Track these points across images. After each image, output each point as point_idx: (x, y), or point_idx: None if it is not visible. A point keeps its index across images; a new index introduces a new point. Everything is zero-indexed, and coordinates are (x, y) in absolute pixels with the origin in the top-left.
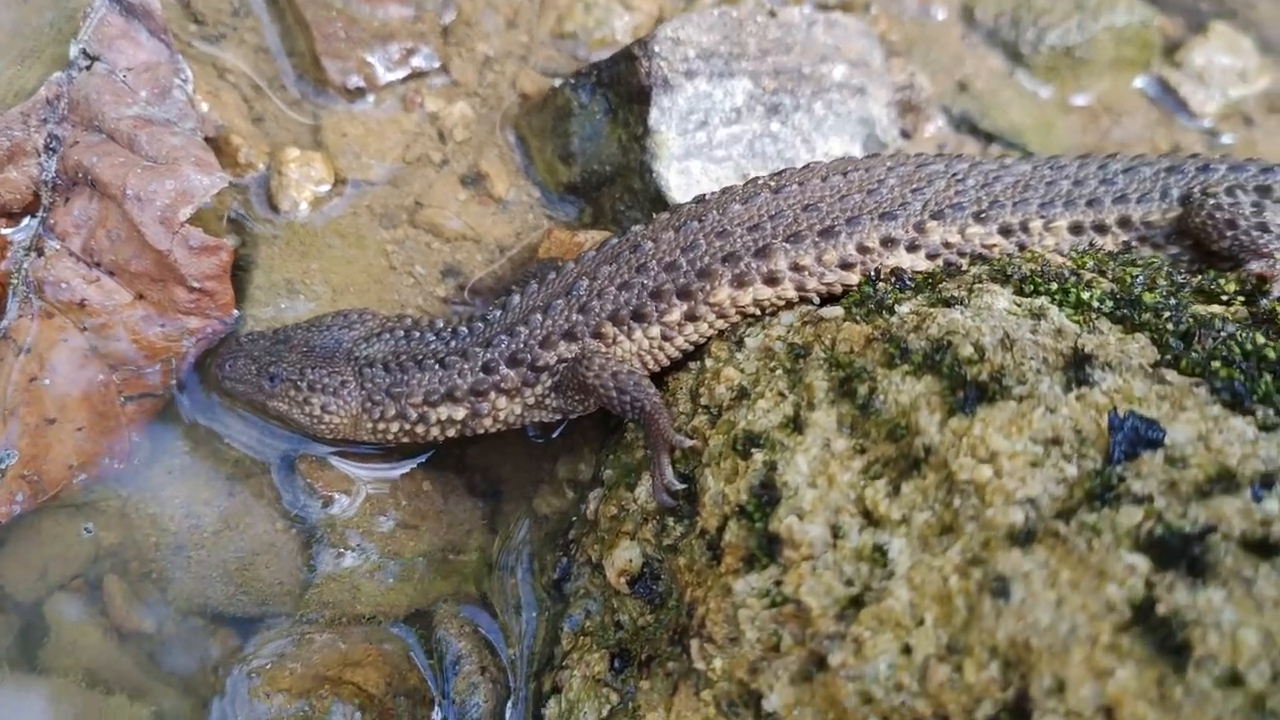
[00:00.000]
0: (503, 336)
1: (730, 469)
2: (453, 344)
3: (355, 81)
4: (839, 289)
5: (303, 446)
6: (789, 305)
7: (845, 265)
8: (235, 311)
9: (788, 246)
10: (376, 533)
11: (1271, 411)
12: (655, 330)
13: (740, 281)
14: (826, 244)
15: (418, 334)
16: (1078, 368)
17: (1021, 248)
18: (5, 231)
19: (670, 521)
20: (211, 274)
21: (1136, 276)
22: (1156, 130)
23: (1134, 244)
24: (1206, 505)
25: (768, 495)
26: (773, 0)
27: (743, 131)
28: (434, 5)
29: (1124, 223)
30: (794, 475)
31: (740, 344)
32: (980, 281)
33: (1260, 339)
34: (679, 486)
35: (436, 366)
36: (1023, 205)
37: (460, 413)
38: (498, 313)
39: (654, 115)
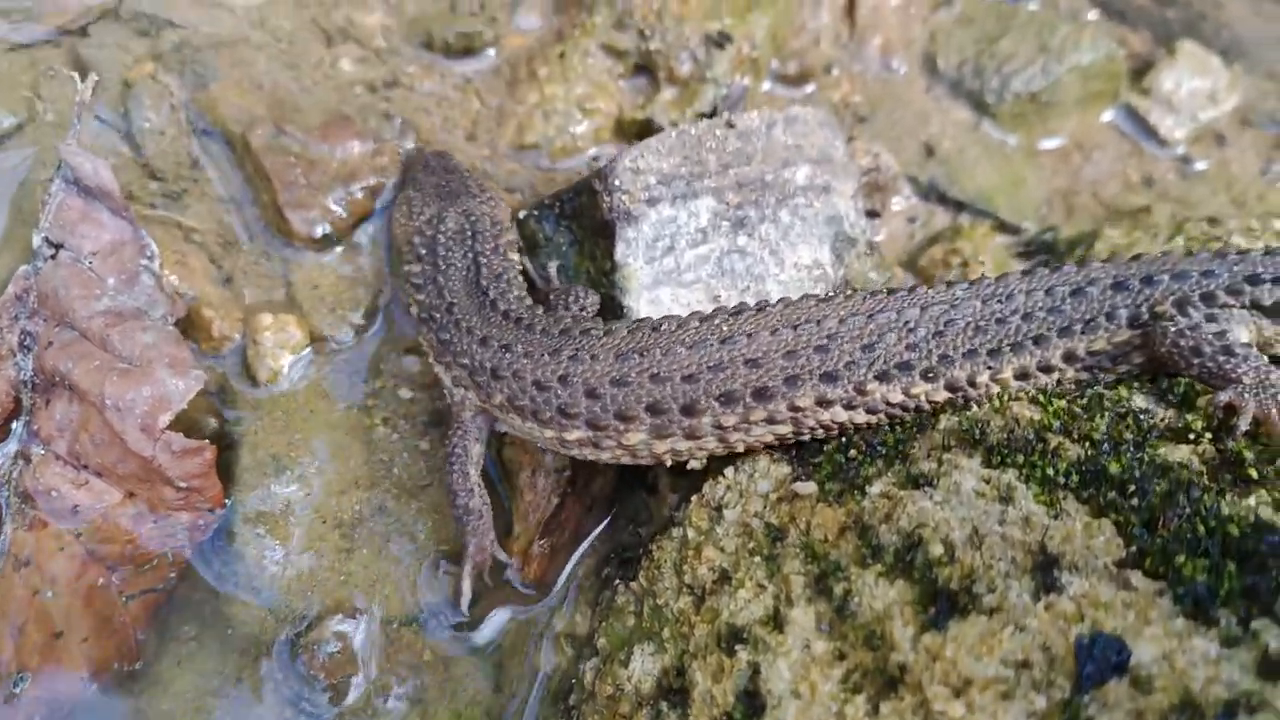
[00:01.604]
0: None
1: (716, 665)
2: None
3: (322, 230)
4: (766, 441)
5: (305, 629)
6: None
7: (772, 421)
8: (226, 501)
9: (716, 405)
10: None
11: (1234, 620)
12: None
13: (659, 433)
14: (757, 404)
15: None
16: (1045, 571)
17: (967, 401)
18: None
19: (664, 707)
20: (197, 473)
21: (1102, 431)
22: (1128, 162)
23: (1082, 375)
24: None
25: (752, 704)
26: (731, 103)
27: (710, 251)
28: (391, 134)
29: (1069, 358)
30: (777, 682)
31: (719, 513)
32: (949, 450)
33: (1225, 508)
34: (465, 613)
35: None
36: (971, 357)
37: None
38: None
39: (620, 250)
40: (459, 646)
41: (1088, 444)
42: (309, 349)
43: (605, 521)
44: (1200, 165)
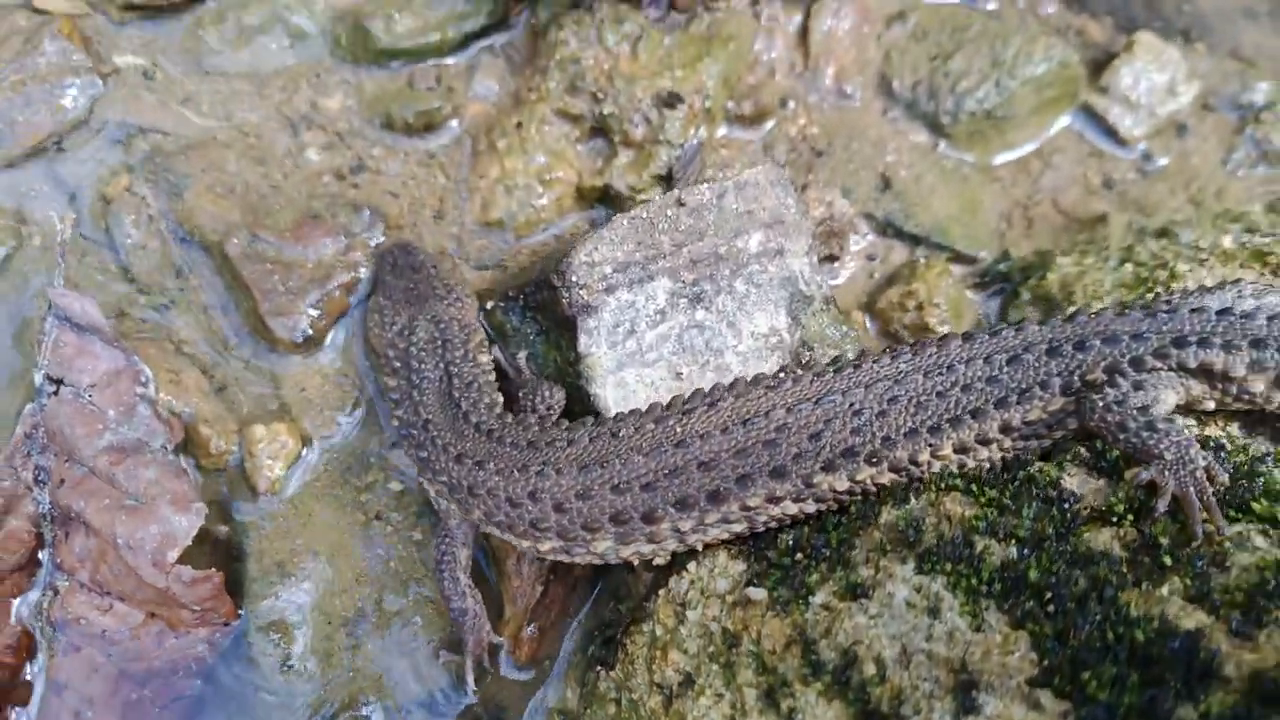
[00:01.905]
0: None
1: None
2: None
3: (304, 333)
4: (724, 539)
5: None
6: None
7: (727, 521)
8: (239, 612)
9: (673, 511)
10: None
11: None
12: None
13: (623, 540)
14: (711, 507)
15: None
16: (965, 691)
17: (910, 480)
18: (16, 604)
19: None
20: (208, 596)
21: (1027, 527)
22: (1088, 165)
23: (1019, 444)
24: None
25: None
26: (685, 162)
27: (670, 329)
28: (361, 226)
29: (1006, 429)
30: None
31: (683, 611)
32: (886, 554)
33: (1134, 609)
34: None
35: None
36: (912, 436)
37: None
38: None
39: (582, 341)
40: (490, 710)
41: (1014, 542)
42: (303, 453)
43: (590, 599)
44: (1161, 161)
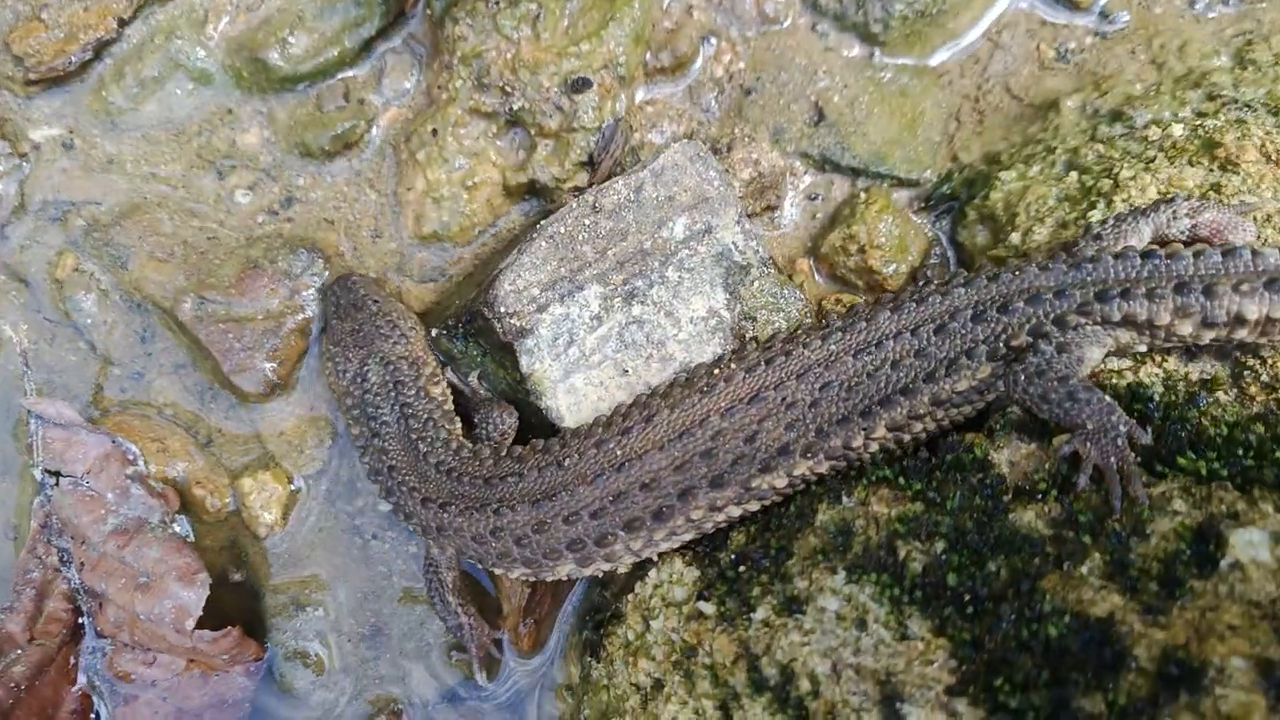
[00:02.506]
0: None
1: None
2: None
3: (269, 382)
4: (675, 547)
5: None
6: None
7: (674, 534)
8: (266, 648)
9: (623, 534)
10: None
11: None
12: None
13: (583, 562)
14: (657, 524)
15: None
16: (889, 703)
17: (849, 464)
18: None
19: None
20: (232, 647)
21: (948, 525)
22: (1042, 37)
23: (952, 414)
24: None
25: None
26: (604, 143)
27: (609, 330)
28: (301, 266)
29: (937, 402)
30: None
31: (648, 622)
32: (817, 565)
33: (1050, 600)
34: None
35: None
36: (845, 423)
37: None
38: None
39: (524, 362)
40: (489, 709)
41: (938, 541)
42: (294, 494)
43: (580, 585)
44: (1122, 18)
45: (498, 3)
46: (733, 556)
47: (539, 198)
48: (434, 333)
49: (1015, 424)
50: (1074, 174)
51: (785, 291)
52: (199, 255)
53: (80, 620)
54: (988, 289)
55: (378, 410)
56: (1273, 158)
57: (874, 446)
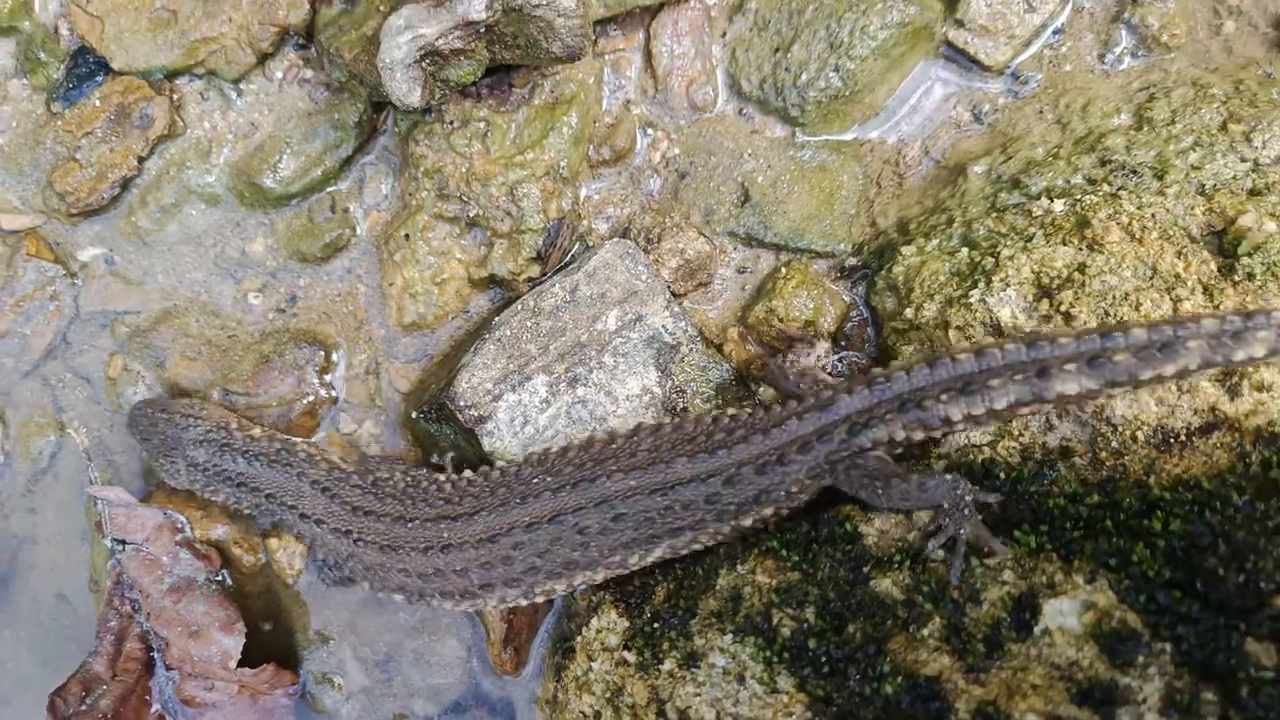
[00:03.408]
0: None
1: None
2: None
3: None
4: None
5: None
6: None
7: (502, 600)
8: (300, 675)
9: (451, 598)
10: None
11: None
12: None
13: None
14: (469, 599)
15: None
16: None
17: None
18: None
19: None
20: (270, 678)
21: (815, 594)
22: (959, 101)
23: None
24: None
25: None
26: (550, 239)
27: (558, 410)
28: (305, 357)
29: (721, 533)
30: None
31: (591, 661)
32: (712, 626)
33: (891, 662)
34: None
35: None
36: (630, 546)
37: None
38: None
39: (486, 442)
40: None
41: (807, 608)
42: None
43: (552, 612)
44: (1035, 79)
45: (451, 123)
46: (649, 613)
47: (500, 287)
48: (414, 415)
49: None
50: (965, 249)
51: (713, 364)
52: (221, 353)
53: (152, 656)
54: (764, 443)
55: (227, 473)
56: (1136, 235)
57: (651, 559)
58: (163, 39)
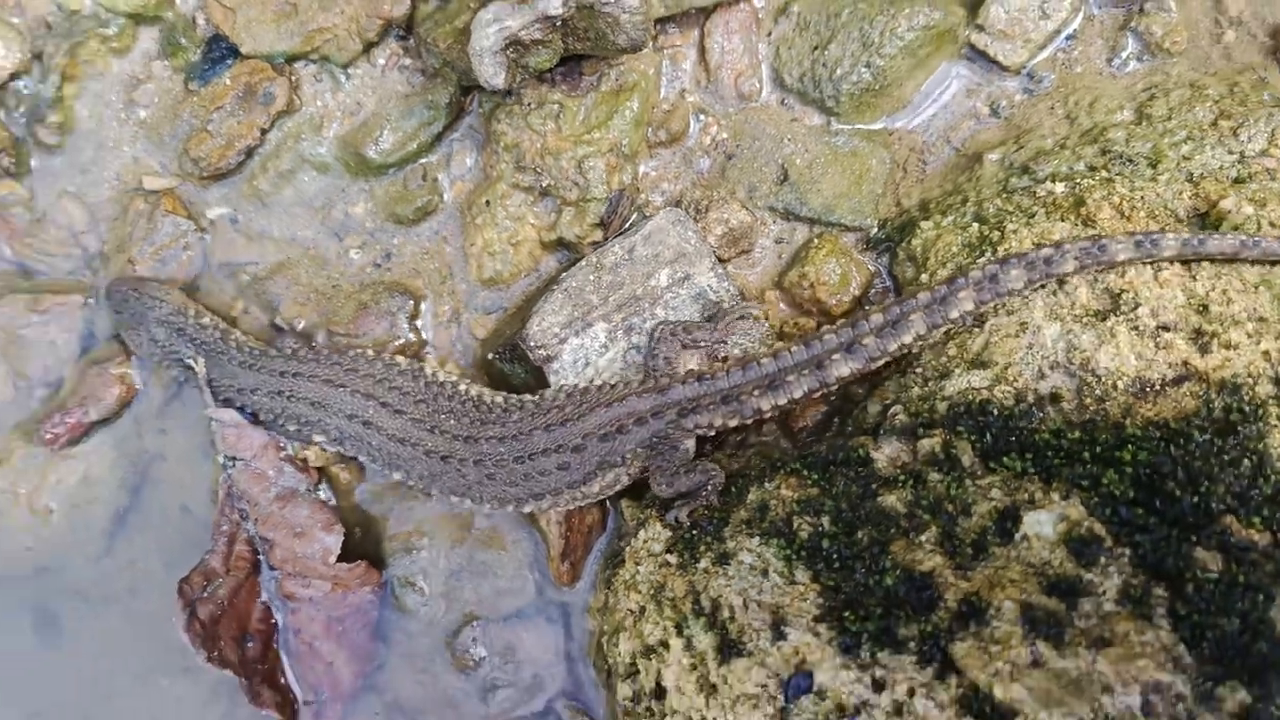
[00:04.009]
0: None
1: (644, 665)
2: None
3: None
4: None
5: (452, 636)
6: None
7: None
8: (383, 576)
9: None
10: None
11: (868, 652)
12: None
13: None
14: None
15: None
16: (778, 627)
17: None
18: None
19: (633, 672)
20: (360, 574)
21: (830, 506)
22: (978, 98)
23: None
24: None
25: (660, 689)
26: (612, 208)
27: (615, 354)
28: (397, 305)
29: (575, 498)
30: (669, 678)
31: (638, 565)
32: (741, 531)
33: (892, 559)
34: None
35: None
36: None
37: None
38: None
39: (552, 380)
40: (543, 621)
41: (822, 517)
42: None
43: (604, 535)
44: (1047, 79)
45: (529, 105)
46: (689, 523)
47: (567, 249)
48: (490, 355)
49: (898, 430)
50: (976, 224)
51: (751, 321)
52: (326, 299)
53: (258, 557)
54: (606, 414)
55: (183, 354)
56: (1125, 213)
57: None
58: (284, 28)
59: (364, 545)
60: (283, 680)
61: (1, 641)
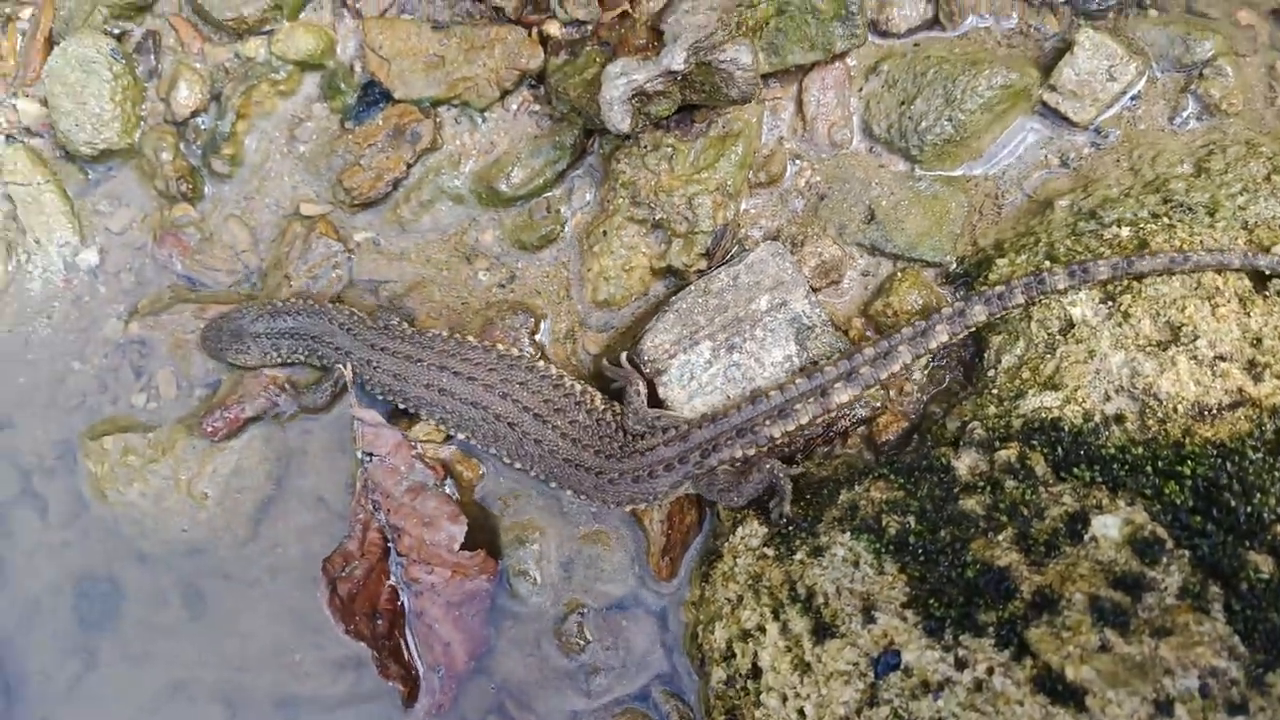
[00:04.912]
0: None
1: (742, 648)
2: None
3: None
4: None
5: (559, 623)
6: None
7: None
8: (499, 565)
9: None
10: None
11: (951, 635)
12: None
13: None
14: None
15: None
16: (868, 612)
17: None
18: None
19: (728, 656)
20: (479, 562)
21: (915, 507)
22: (1049, 150)
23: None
24: (919, 701)
25: (756, 669)
26: (718, 240)
27: (717, 370)
28: (519, 322)
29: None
30: (765, 659)
31: (735, 560)
32: (834, 527)
33: (972, 554)
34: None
35: None
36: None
37: None
38: None
39: (661, 391)
40: (641, 614)
41: (908, 516)
42: None
43: (698, 536)
44: (1113, 134)
45: (645, 147)
46: (785, 520)
47: (674, 276)
48: (604, 363)
49: (976, 442)
50: (1048, 262)
51: (840, 343)
52: (456, 315)
53: (388, 544)
54: (676, 447)
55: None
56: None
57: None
58: (432, 77)
59: (479, 537)
60: (406, 656)
61: (153, 615)
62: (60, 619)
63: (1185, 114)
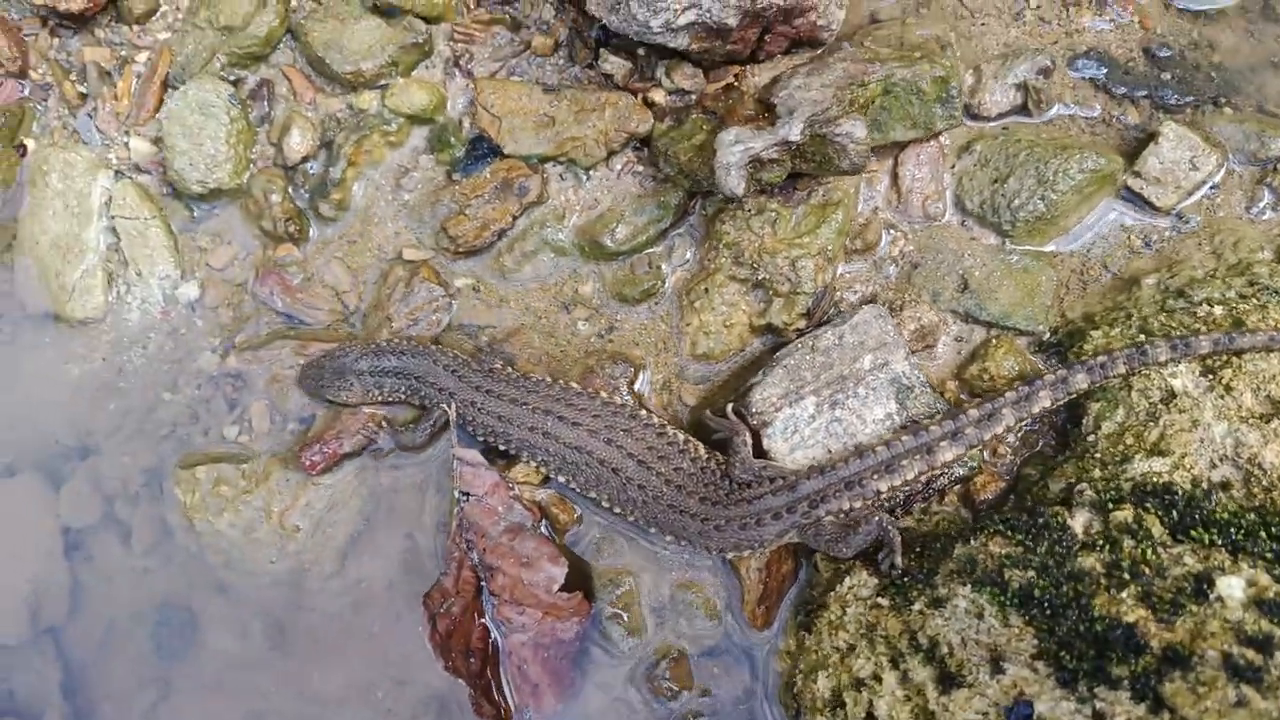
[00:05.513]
0: None
1: (854, 697)
2: None
3: None
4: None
5: (650, 668)
6: None
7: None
8: (592, 608)
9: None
10: None
11: (1085, 687)
12: None
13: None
14: None
15: None
16: (996, 663)
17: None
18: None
19: (835, 709)
20: (575, 605)
21: (1036, 562)
22: (1132, 231)
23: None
24: None
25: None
26: (817, 300)
27: (819, 425)
28: (618, 371)
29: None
30: (882, 709)
31: (844, 609)
32: (953, 580)
33: (1098, 610)
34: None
35: None
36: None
37: None
38: None
39: (765, 443)
40: (731, 661)
41: (1029, 571)
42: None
43: (795, 584)
44: (1193, 220)
45: (750, 211)
46: (900, 572)
47: (773, 334)
48: (706, 413)
49: (1087, 503)
50: (1142, 336)
51: (937, 403)
52: (555, 362)
53: (480, 583)
54: (784, 496)
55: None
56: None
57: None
58: (542, 135)
59: (573, 580)
60: (496, 696)
61: (234, 644)
62: (137, 646)
63: (1261, 204)
